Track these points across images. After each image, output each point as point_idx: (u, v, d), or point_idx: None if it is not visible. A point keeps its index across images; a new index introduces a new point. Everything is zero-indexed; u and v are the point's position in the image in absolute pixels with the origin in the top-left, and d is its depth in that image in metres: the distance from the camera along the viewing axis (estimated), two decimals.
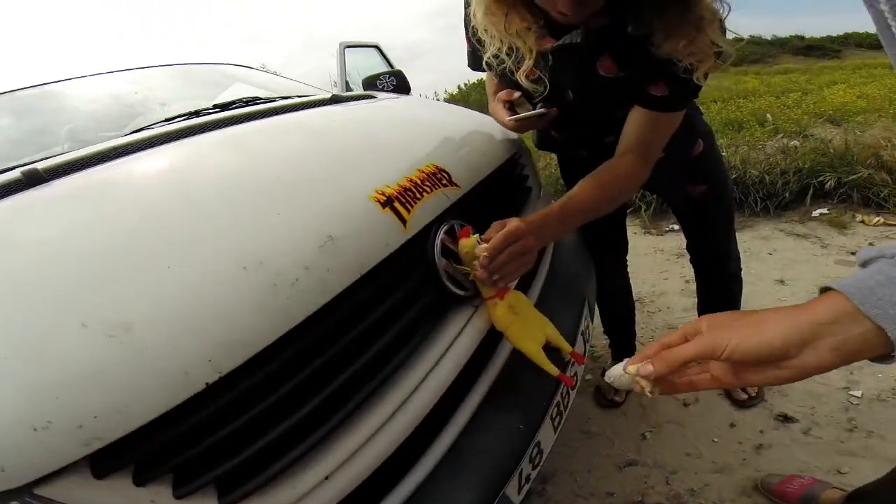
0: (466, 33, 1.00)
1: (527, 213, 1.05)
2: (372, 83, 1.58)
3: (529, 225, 0.73)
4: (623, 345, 1.57)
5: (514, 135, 1.10)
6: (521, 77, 0.86)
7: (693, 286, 1.42)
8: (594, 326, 1.79)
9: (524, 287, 0.94)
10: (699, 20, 0.68)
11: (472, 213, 0.79)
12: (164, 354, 0.44)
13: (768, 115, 4.50)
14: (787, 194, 2.68)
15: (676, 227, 2.78)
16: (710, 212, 1.19)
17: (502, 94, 0.95)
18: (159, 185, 0.67)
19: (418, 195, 0.70)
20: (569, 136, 1.10)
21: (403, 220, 0.65)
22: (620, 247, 1.40)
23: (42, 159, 0.80)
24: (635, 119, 0.86)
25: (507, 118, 0.93)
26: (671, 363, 0.46)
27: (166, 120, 1.11)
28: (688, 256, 1.35)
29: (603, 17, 0.76)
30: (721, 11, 0.70)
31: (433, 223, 0.70)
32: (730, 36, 0.74)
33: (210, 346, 0.46)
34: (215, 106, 1.20)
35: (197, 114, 1.12)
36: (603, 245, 1.31)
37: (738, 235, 1.29)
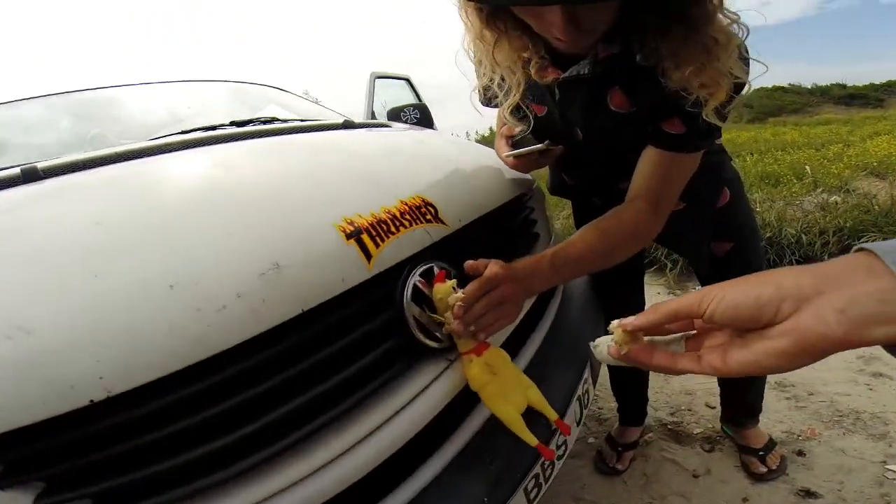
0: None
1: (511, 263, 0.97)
2: (396, 114, 1.57)
3: (511, 271, 0.65)
4: (633, 410, 1.42)
5: (526, 175, 1.03)
6: (504, 112, 0.79)
7: None
8: (605, 386, 1.65)
9: (520, 342, 0.85)
10: (710, 43, 0.59)
11: (462, 255, 0.71)
12: (54, 363, 0.42)
13: (807, 168, 4.26)
14: (826, 256, 2.43)
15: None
16: (736, 273, 1.06)
17: (504, 128, 0.89)
18: (123, 195, 0.64)
19: (394, 229, 0.63)
20: (579, 179, 1.01)
21: (368, 255, 0.58)
22: (634, 308, 1.29)
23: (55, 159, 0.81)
24: (647, 160, 0.76)
25: (504, 153, 0.86)
26: (652, 316, 0.40)
27: (181, 132, 1.11)
28: None
29: (612, 45, 0.69)
30: (740, 34, 0.61)
31: (407, 262, 0.63)
32: (754, 66, 0.65)
33: (107, 364, 0.42)
34: (231, 122, 1.20)
35: (213, 128, 1.12)
36: (615, 304, 1.20)
37: None
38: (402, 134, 1.10)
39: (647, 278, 2.70)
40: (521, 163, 0.88)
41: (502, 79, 0.74)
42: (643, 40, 0.64)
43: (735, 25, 0.60)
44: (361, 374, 0.57)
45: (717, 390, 1.39)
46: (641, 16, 0.61)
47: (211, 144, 0.83)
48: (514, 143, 0.88)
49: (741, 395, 1.30)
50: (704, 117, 0.65)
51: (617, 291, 1.18)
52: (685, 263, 2.75)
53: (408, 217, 0.66)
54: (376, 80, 1.66)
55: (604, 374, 1.46)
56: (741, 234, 1.02)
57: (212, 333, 0.46)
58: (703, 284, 1.15)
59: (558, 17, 0.57)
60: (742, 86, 0.65)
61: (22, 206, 0.64)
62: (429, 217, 0.69)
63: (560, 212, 4.02)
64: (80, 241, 0.53)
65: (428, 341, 0.63)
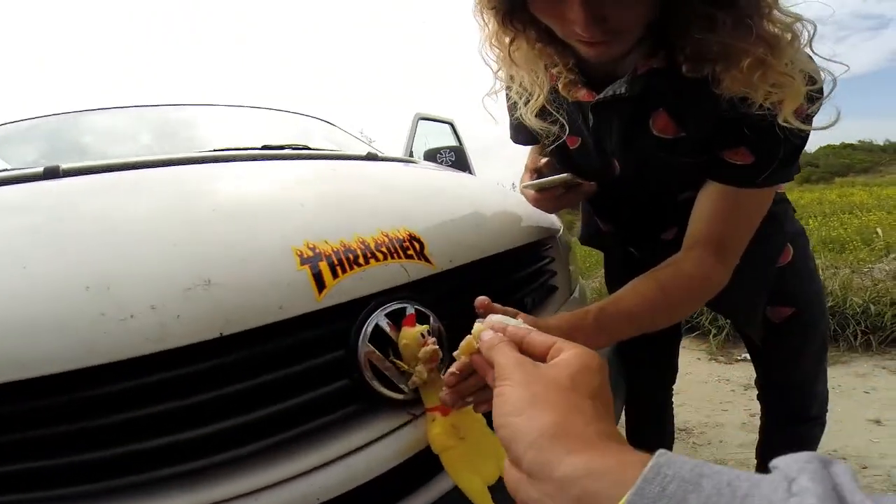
0: (507, 99, 0.90)
1: (547, 311, 0.85)
2: (432, 155, 1.55)
3: (543, 328, 0.54)
4: None
5: (548, 219, 0.93)
6: (528, 116, 0.69)
7: (757, 421, 1.07)
8: None
9: None
10: (768, 35, 0.49)
11: (449, 302, 0.63)
12: None
13: (878, 231, 3.78)
14: None
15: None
16: (795, 343, 0.87)
17: (529, 160, 0.80)
18: (112, 197, 0.64)
19: (363, 261, 0.56)
20: (615, 224, 0.87)
21: (322, 286, 0.51)
22: (666, 375, 1.10)
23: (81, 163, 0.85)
24: (707, 199, 0.64)
25: (523, 184, 0.76)
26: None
27: (213, 150, 1.14)
28: (756, 389, 1.02)
29: (653, 59, 0.59)
30: (804, 32, 0.50)
31: (373, 298, 0.55)
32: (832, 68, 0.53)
33: None
34: (263, 146, 1.21)
35: (244, 149, 1.14)
36: (643, 371, 1.04)
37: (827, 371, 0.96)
38: (418, 168, 1.06)
39: (685, 342, 2.48)
40: (545, 199, 0.77)
41: (521, 84, 0.66)
42: (686, 40, 0.54)
43: (798, 24, 0.49)
44: (292, 413, 0.48)
45: (752, 461, 1.17)
46: (683, 9, 0.51)
47: (215, 162, 0.83)
48: (541, 177, 0.78)
49: None
50: (782, 123, 0.53)
51: (646, 356, 1.02)
52: (732, 329, 2.48)
53: (384, 250, 0.59)
54: (420, 121, 1.67)
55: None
56: (805, 299, 0.85)
57: (106, 342, 0.41)
58: (752, 355, 0.96)
59: (580, 12, 0.49)
60: (821, 91, 0.54)
61: (38, 198, 0.65)
62: (411, 253, 0.61)
63: (599, 269, 3.81)
64: (32, 233, 0.51)
65: (384, 389, 0.53)
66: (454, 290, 0.65)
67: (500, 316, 0.47)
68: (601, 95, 0.64)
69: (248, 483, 0.45)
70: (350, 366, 0.52)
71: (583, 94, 0.66)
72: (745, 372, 2.22)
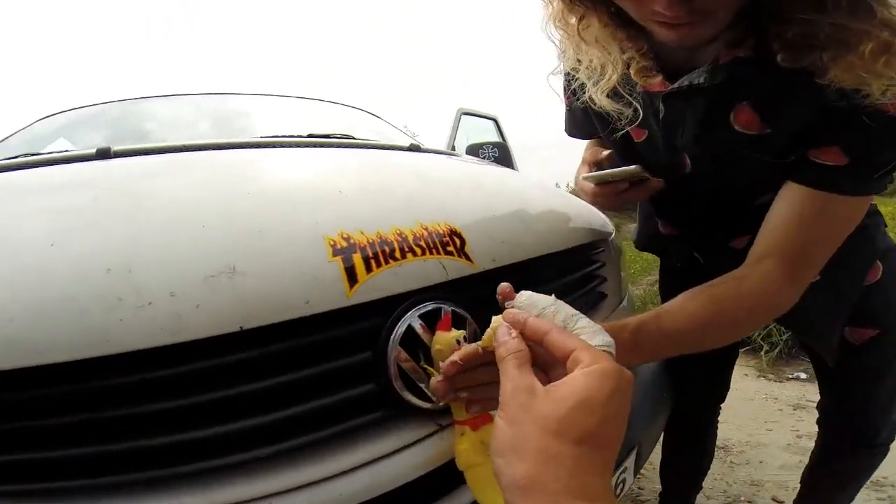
0: (565, 91, 0.83)
1: (596, 317, 0.78)
2: (475, 150, 1.49)
3: None
4: (680, 499, 1.14)
5: (600, 220, 0.85)
6: (598, 96, 0.62)
7: (805, 443, 0.99)
8: (653, 464, 1.33)
9: None
10: (891, 17, 0.41)
11: (488, 304, 0.57)
12: None
13: None
14: None
15: (804, 375, 2.22)
16: (875, 366, 0.77)
17: (588, 154, 0.73)
18: (153, 179, 0.63)
19: (399, 255, 0.51)
20: (680, 227, 0.78)
21: (354, 280, 0.47)
22: (716, 394, 1.00)
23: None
24: (786, 204, 0.55)
25: (583, 176, 0.69)
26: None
27: (262, 136, 1.14)
28: (807, 409, 0.94)
29: (738, 48, 0.52)
30: None
31: (408, 297, 0.50)
32: None
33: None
34: (310, 135, 1.20)
35: (289, 137, 1.13)
36: (693, 387, 0.94)
37: None
38: (461, 161, 1.00)
39: (783, 353, 2.35)
40: (605, 194, 0.69)
41: (590, 64, 0.60)
42: (787, 25, 0.45)
43: None
44: (313, 416, 0.45)
45: (792, 483, 1.09)
46: None
47: (259, 147, 0.81)
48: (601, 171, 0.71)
49: (828, 496, 0.98)
50: None
51: (699, 374, 0.93)
52: (786, 347, 2.33)
53: (422, 244, 0.54)
54: (462, 115, 1.61)
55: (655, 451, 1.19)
56: (893, 320, 0.74)
57: (119, 330, 0.38)
58: (820, 375, 0.87)
59: None
60: None
61: (66, 176, 0.65)
62: (450, 249, 0.56)
63: (644, 276, 3.63)
64: (68, 212, 0.50)
65: (411, 397, 0.48)
66: (495, 293, 0.60)
67: (528, 294, 0.43)
68: (676, 84, 0.57)
69: (264, 486, 0.42)
70: (377, 369, 0.48)
71: (657, 83, 0.59)
72: (795, 391, 2.10)
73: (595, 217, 0.87)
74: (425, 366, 0.50)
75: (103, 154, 0.76)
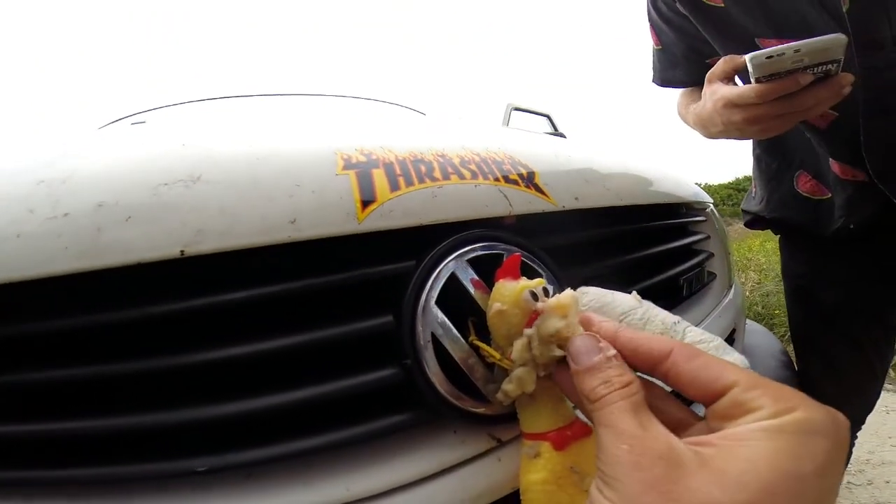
0: (653, 23, 0.63)
1: (700, 309, 0.55)
2: None
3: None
4: None
5: (691, 188, 0.63)
6: None
7: None
8: None
9: None
10: None
11: (581, 261, 0.38)
12: None
13: None
14: None
15: None
16: None
17: (719, 65, 0.48)
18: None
19: (440, 175, 0.33)
20: (879, 162, 0.51)
21: (370, 199, 0.29)
22: (864, 412, 0.73)
23: None
24: None
25: (749, 57, 0.41)
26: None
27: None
28: None
29: None
30: None
31: (447, 232, 0.32)
32: None
33: None
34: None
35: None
36: (819, 392, 0.68)
37: None
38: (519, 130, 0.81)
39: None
40: (776, 92, 0.42)
41: None
42: None
43: None
44: (292, 415, 0.26)
45: None
46: None
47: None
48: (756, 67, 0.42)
49: None
50: None
51: (840, 380, 0.66)
52: None
53: (473, 167, 0.35)
54: (513, 111, 1.42)
55: None
56: None
57: (15, 249, 0.23)
58: None
59: None
60: None
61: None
62: (514, 178, 0.37)
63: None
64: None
65: (451, 395, 0.29)
66: (582, 243, 0.39)
67: (596, 292, 0.28)
68: None
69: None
70: (401, 344, 0.29)
71: None
72: None
73: (687, 181, 0.65)
74: (478, 341, 0.30)
75: None
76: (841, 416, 0.19)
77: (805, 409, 0.18)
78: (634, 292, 0.28)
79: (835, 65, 0.40)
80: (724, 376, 0.20)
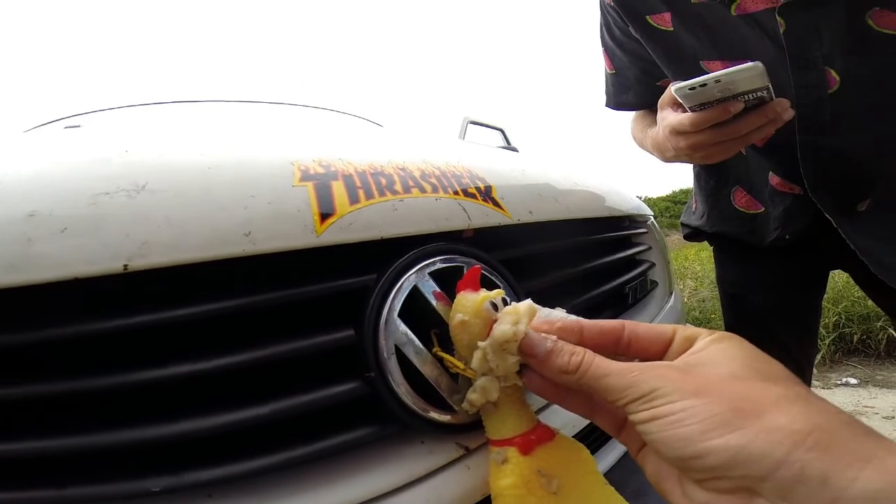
0: (606, 47, 0.66)
1: (644, 314, 0.58)
2: None
3: None
4: None
5: (634, 201, 0.67)
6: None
7: None
8: None
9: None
10: None
11: (535, 272, 0.39)
12: None
13: None
14: None
15: (853, 381, 2.02)
16: None
17: (666, 94, 0.49)
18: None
19: (401, 189, 0.33)
20: (816, 176, 0.54)
21: (329, 212, 0.28)
22: None
23: None
24: None
25: (674, 88, 0.43)
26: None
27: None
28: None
29: None
30: None
31: (409, 245, 0.31)
32: None
33: None
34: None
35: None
36: None
37: None
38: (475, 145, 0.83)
39: (826, 358, 2.12)
40: (707, 121, 0.43)
41: None
42: None
43: None
44: (252, 432, 0.25)
45: None
46: None
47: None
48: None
49: None
50: None
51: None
52: (829, 352, 2.14)
53: (433, 181, 0.36)
54: (469, 125, 1.45)
55: None
56: None
57: None
58: None
59: None
60: None
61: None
62: (472, 191, 0.37)
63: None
64: None
65: (417, 405, 0.29)
66: (536, 255, 0.40)
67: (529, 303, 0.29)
68: None
69: None
70: (364, 357, 0.28)
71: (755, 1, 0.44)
72: (848, 398, 1.88)
73: (629, 195, 0.69)
74: (442, 352, 0.30)
75: None
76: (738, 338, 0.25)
77: (723, 332, 0.25)
78: (559, 308, 0.29)
79: (765, 91, 0.41)
80: (666, 327, 0.26)
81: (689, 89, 0.41)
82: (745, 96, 0.42)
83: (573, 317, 0.28)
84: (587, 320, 0.27)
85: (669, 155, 0.53)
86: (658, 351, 0.26)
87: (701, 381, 0.22)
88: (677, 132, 0.47)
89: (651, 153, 0.61)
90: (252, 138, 0.37)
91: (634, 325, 0.26)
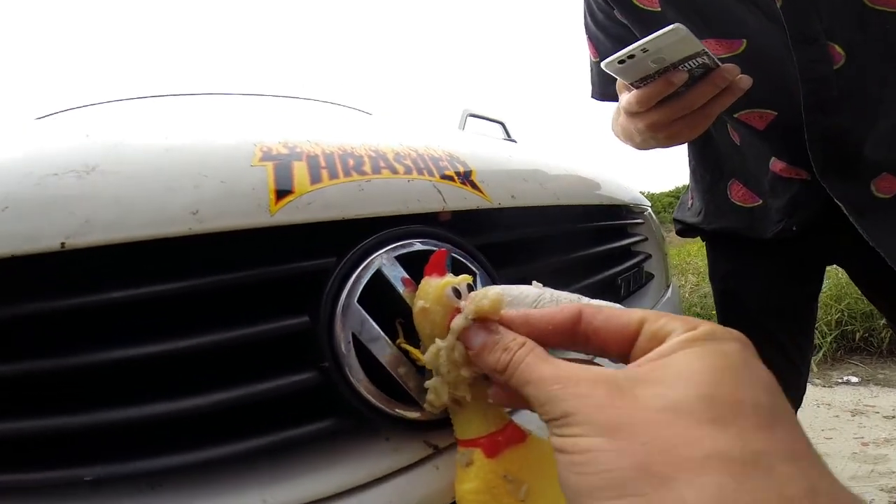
0: (590, 34, 0.63)
1: (639, 307, 0.55)
2: None
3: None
4: None
5: (631, 192, 0.64)
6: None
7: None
8: None
9: None
10: None
11: (517, 261, 0.36)
12: None
13: None
14: None
15: (854, 379, 1.98)
16: None
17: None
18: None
19: (370, 170, 0.30)
20: (825, 160, 0.50)
21: (286, 191, 0.26)
22: (793, 406, 0.76)
23: None
24: None
25: (603, 63, 0.39)
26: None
27: None
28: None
29: None
30: None
31: (374, 227, 0.29)
32: None
33: None
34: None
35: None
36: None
37: None
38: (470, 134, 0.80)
39: (828, 356, 2.10)
40: (651, 96, 0.39)
41: None
42: None
43: None
44: (198, 422, 0.23)
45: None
46: None
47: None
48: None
49: None
50: None
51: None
52: (831, 350, 2.15)
53: (408, 162, 0.33)
54: (468, 118, 1.42)
55: None
56: None
57: None
58: None
59: None
60: None
61: None
62: (450, 174, 0.35)
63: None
64: None
65: (377, 399, 0.26)
66: (518, 243, 0.38)
67: (499, 290, 0.25)
68: None
69: None
70: (320, 346, 0.26)
71: None
72: (849, 396, 1.84)
73: (627, 185, 0.66)
74: (406, 345, 0.28)
75: None
76: (736, 332, 0.20)
77: (708, 324, 0.19)
78: (535, 281, 0.27)
79: (705, 57, 0.37)
80: (632, 317, 0.21)
81: (619, 62, 0.38)
82: (685, 65, 0.38)
83: (549, 292, 0.25)
84: (535, 311, 0.23)
85: (638, 140, 0.50)
86: (621, 348, 0.21)
87: (627, 411, 0.17)
88: (630, 113, 0.43)
89: (624, 143, 0.58)
90: (219, 124, 0.35)
91: (593, 315, 0.22)
